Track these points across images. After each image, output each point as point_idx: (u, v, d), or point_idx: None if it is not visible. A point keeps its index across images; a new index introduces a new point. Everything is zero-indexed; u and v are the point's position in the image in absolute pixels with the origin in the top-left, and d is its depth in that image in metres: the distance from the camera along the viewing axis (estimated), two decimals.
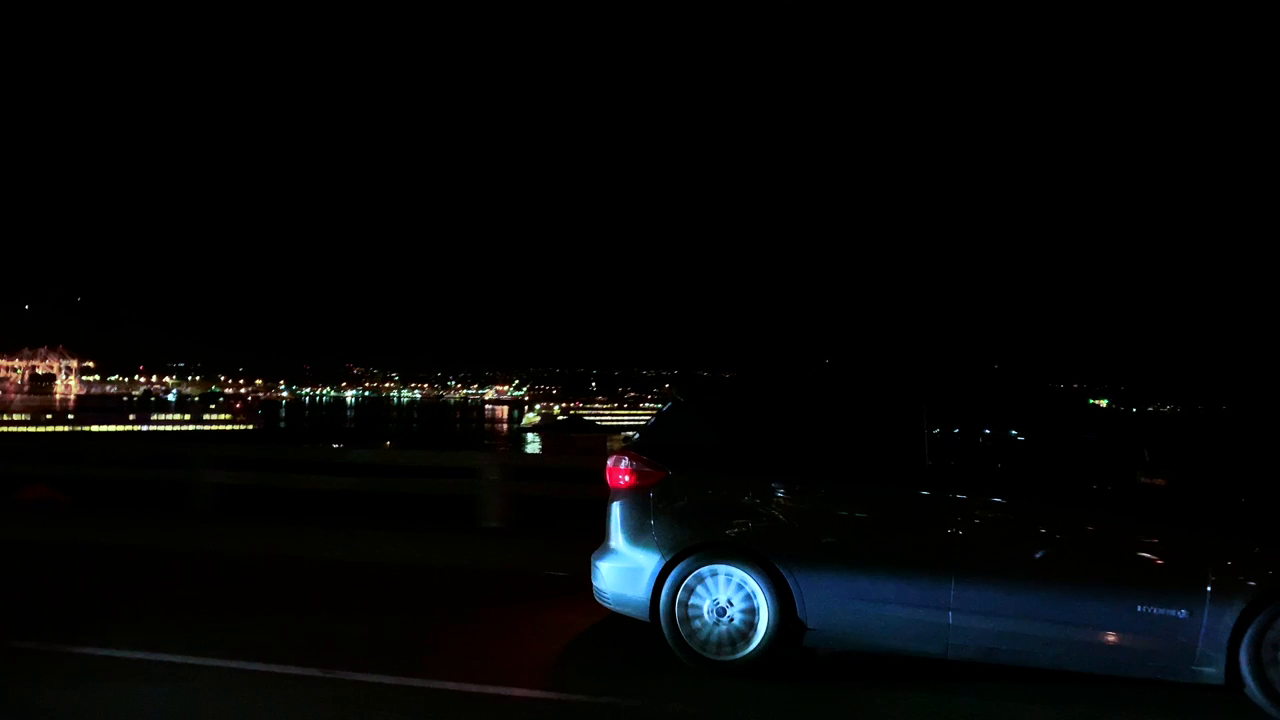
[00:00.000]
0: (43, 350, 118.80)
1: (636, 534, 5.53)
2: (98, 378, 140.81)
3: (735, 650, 5.23)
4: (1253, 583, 4.65)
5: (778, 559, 5.21)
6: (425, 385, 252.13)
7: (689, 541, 5.38)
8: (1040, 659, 4.93)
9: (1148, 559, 4.82)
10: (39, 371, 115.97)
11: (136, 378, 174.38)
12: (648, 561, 5.44)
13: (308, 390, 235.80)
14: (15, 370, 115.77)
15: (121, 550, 9.07)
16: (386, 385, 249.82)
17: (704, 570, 5.32)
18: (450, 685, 4.99)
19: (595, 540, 5.89)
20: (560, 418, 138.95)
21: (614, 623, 6.00)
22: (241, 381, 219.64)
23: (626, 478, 5.64)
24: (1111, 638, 4.80)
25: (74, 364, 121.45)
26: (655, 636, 5.40)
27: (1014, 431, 5.32)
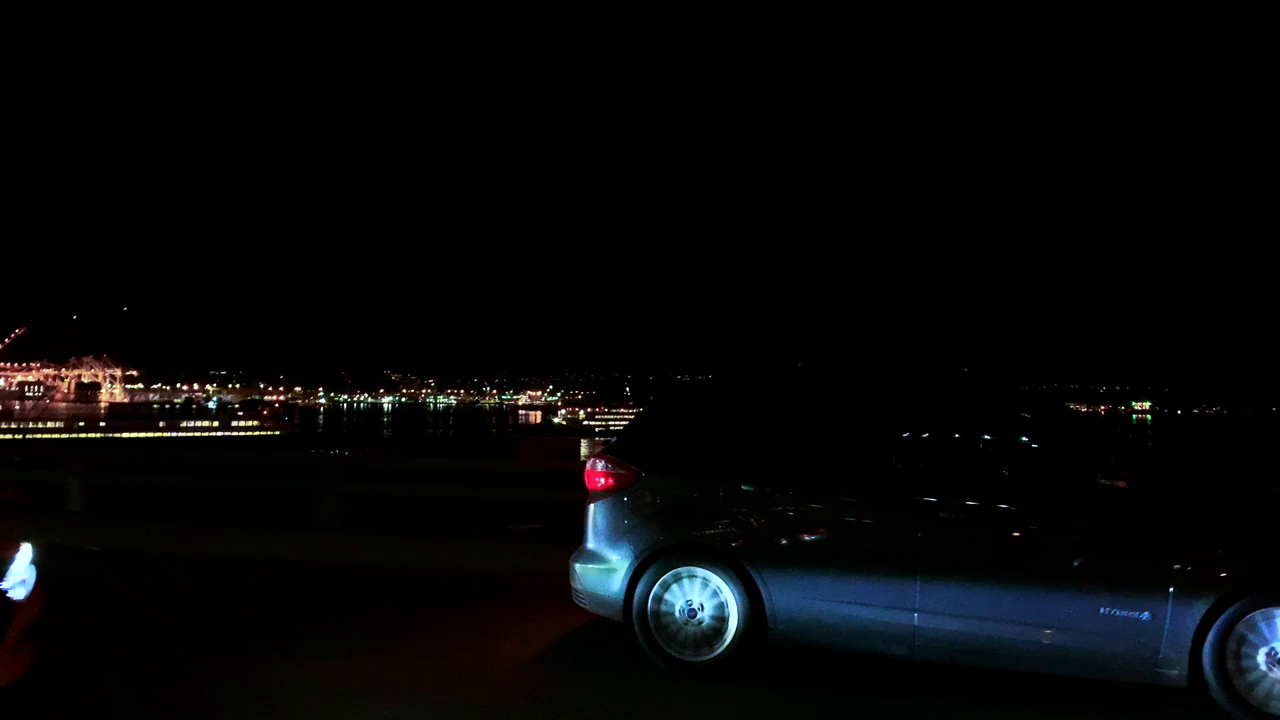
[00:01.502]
0: (88, 359, 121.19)
1: (611, 536, 5.63)
2: (141, 386, 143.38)
3: (706, 651, 5.30)
4: (1215, 584, 4.63)
5: (747, 560, 5.28)
6: (461, 391, 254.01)
7: (661, 543, 5.46)
8: (1006, 660, 4.95)
9: (1110, 561, 4.83)
10: (84, 380, 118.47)
11: (179, 385, 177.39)
12: (621, 563, 5.53)
13: (345, 397, 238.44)
14: (62, 379, 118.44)
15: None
16: (423, 391, 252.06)
17: (675, 571, 5.40)
18: None
19: None
20: (586, 421, 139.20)
21: (600, 624, 6.09)
22: (281, 388, 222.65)
23: (602, 480, 5.74)
24: (1075, 640, 4.81)
25: (118, 372, 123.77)
26: (633, 637, 5.49)
27: (983, 435, 5.34)
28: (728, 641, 5.26)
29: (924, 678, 5.16)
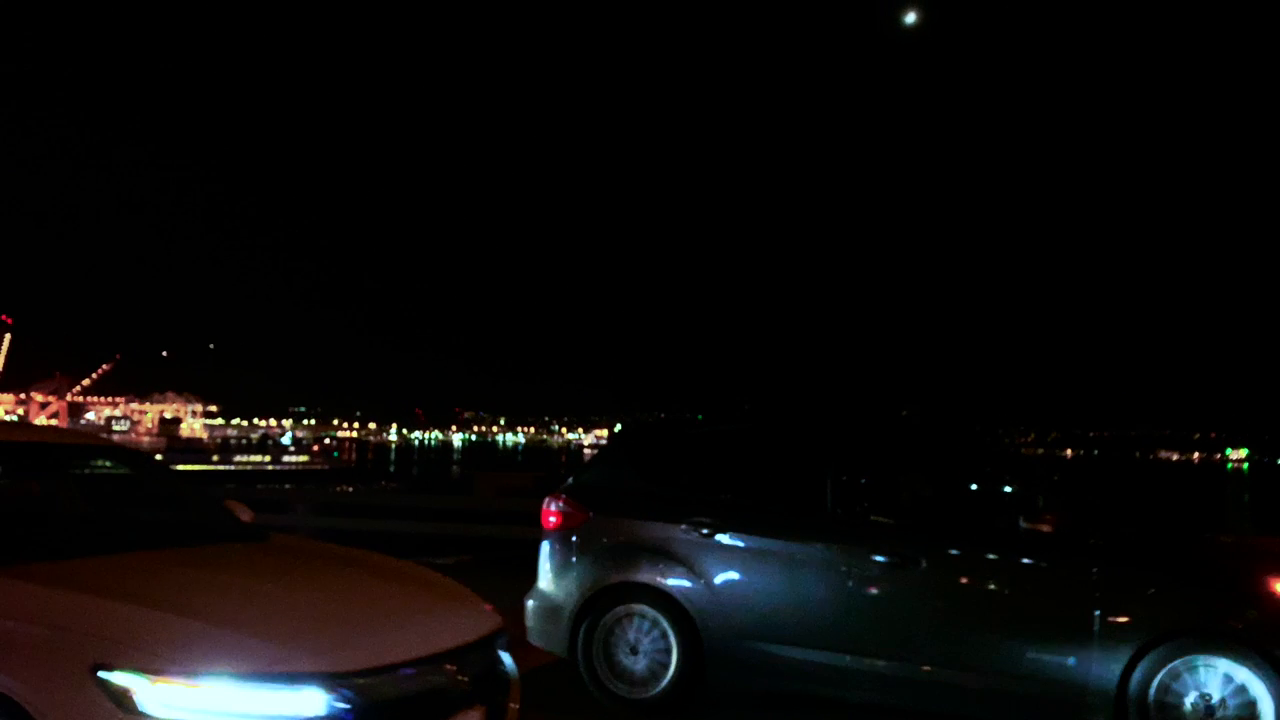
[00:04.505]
0: (170, 395, 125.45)
1: (561, 574, 5.78)
2: (221, 421, 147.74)
3: (648, 689, 5.41)
4: (1142, 629, 4.62)
5: (686, 600, 5.38)
6: (530, 429, 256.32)
7: (606, 581, 5.60)
8: (939, 703, 4.97)
9: (1035, 605, 4.85)
10: (166, 415, 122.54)
11: (256, 421, 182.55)
12: (568, 600, 5.68)
13: (418, 434, 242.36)
14: (146, 414, 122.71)
15: None
16: (494, 429, 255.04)
17: (619, 610, 5.53)
18: None
19: None
20: None
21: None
22: (356, 425, 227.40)
23: (554, 519, 5.91)
24: (1005, 684, 4.81)
25: (199, 408, 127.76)
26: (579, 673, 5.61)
27: (918, 478, 5.41)
28: (668, 679, 5.37)
29: (862, 718, 5.19)
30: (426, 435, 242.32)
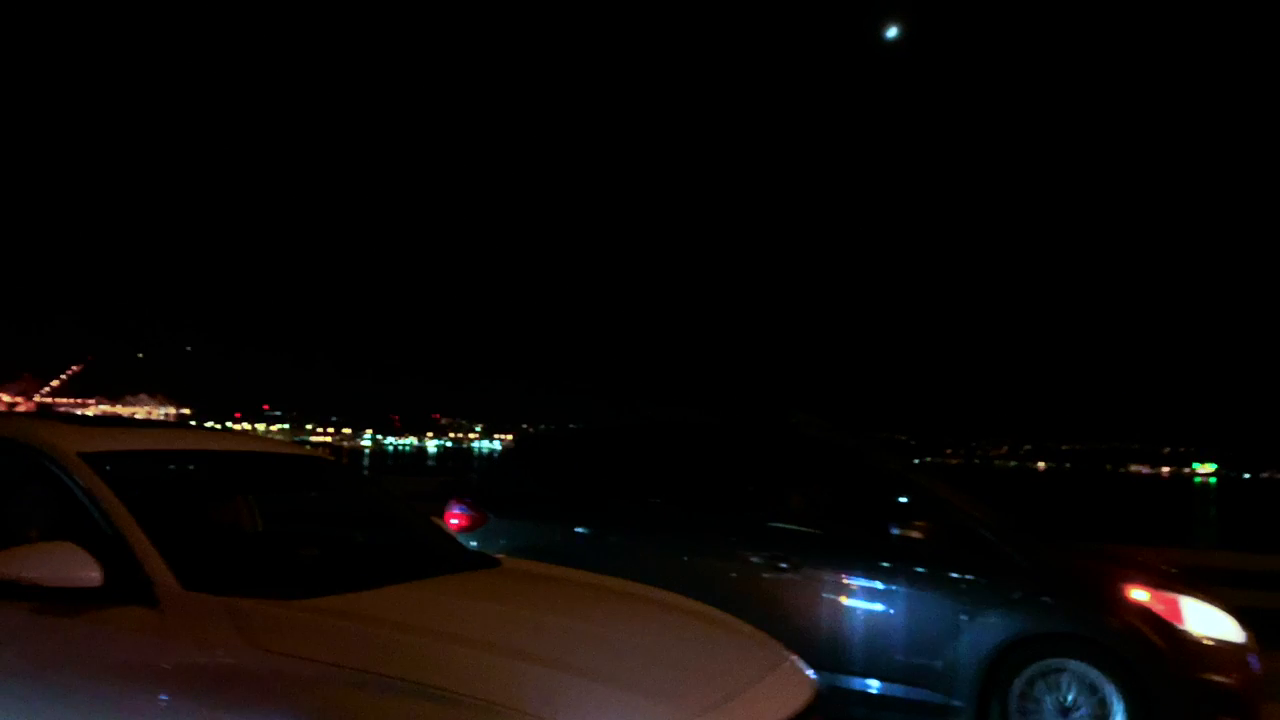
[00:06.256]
0: (143, 396, 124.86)
1: None
2: (193, 424, 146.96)
3: None
4: (1004, 633, 4.78)
5: None
6: (509, 436, 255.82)
7: None
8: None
9: (905, 610, 4.99)
10: (138, 417, 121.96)
11: (229, 424, 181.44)
12: None
13: (392, 440, 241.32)
14: (117, 416, 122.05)
15: None
16: (470, 436, 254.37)
17: None
18: None
19: None
20: None
21: None
22: (331, 430, 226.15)
23: (456, 520, 6.02)
24: (881, 689, 4.96)
25: (172, 410, 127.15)
26: None
27: (797, 485, 5.56)
28: None
29: None
30: (401, 441, 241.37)
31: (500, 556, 3.71)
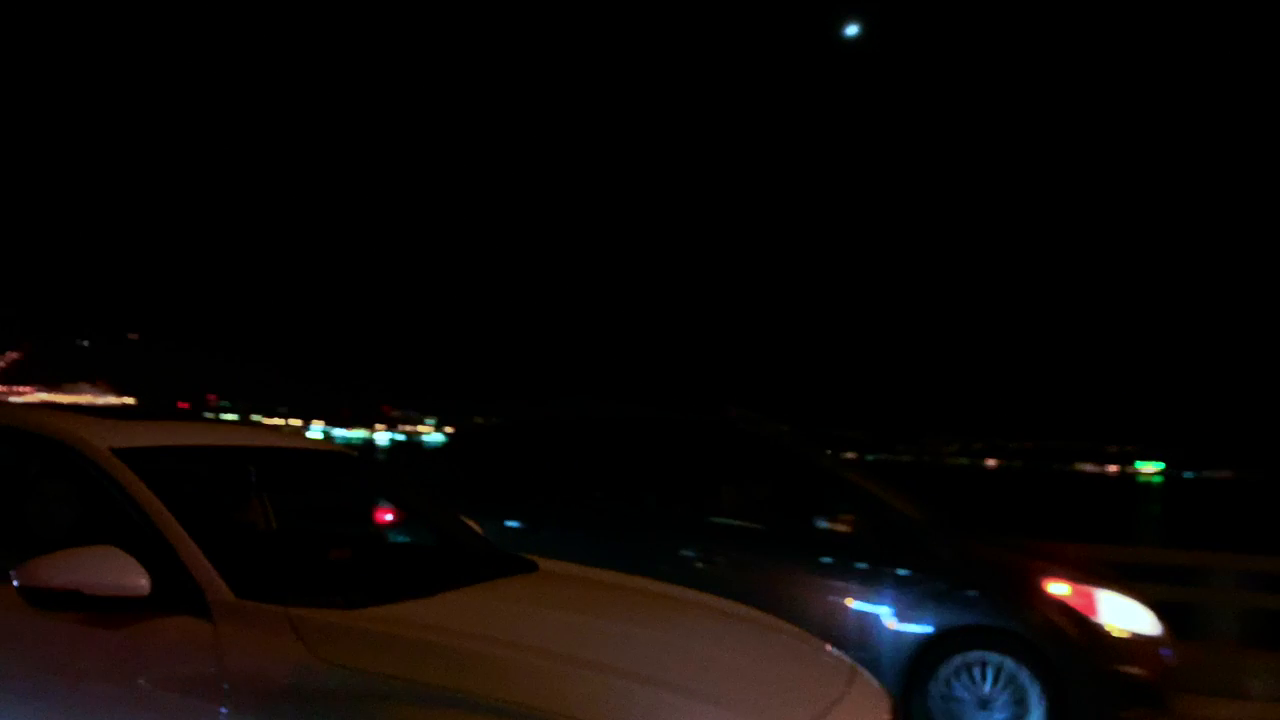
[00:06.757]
0: (83, 385, 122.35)
1: None
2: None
3: None
4: (928, 625, 4.86)
5: None
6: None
7: None
8: None
9: (828, 603, 5.05)
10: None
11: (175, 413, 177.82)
12: None
13: (340, 432, 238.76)
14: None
15: None
16: (421, 429, 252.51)
17: None
18: None
19: None
20: None
21: None
22: (279, 421, 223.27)
23: (389, 516, 5.98)
24: None
25: (112, 399, 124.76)
26: None
27: (728, 479, 5.61)
28: None
29: None
30: (350, 434, 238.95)
31: (535, 558, 3.47)
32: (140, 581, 2.40)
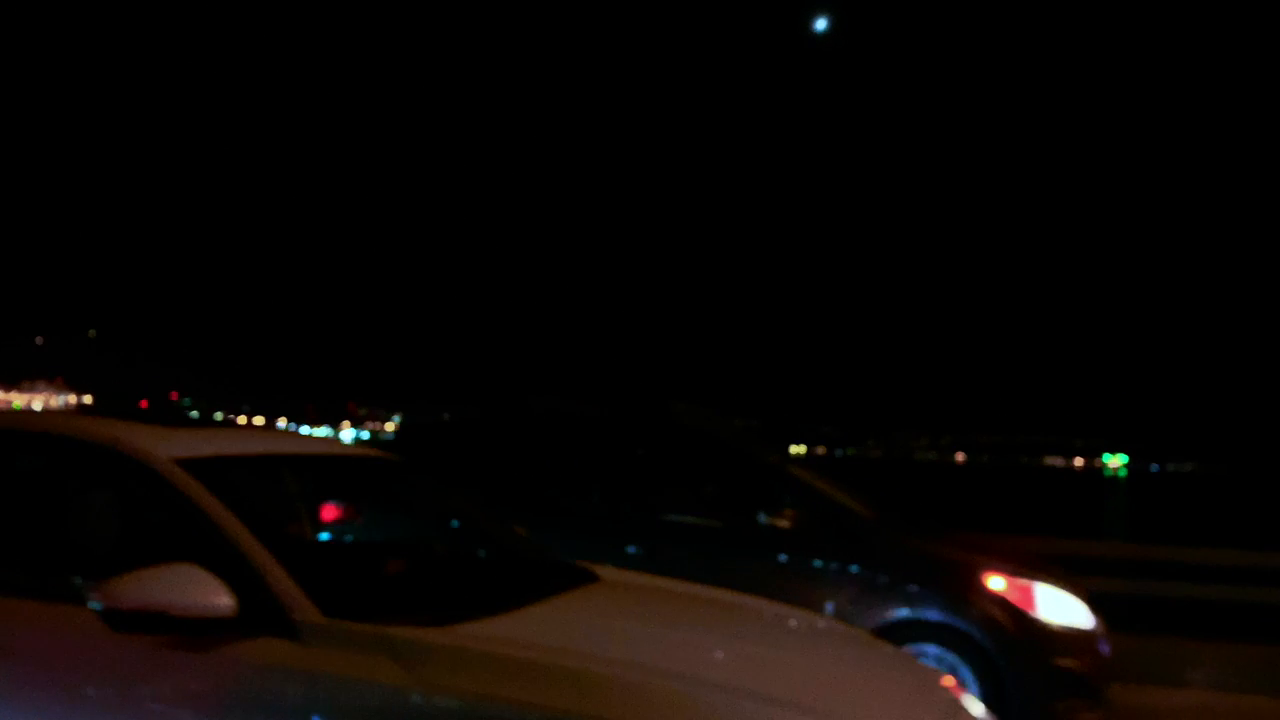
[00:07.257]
0: (41, 384, 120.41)
1: None
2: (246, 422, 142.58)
3: None
4: (870, 619, 4.86)
5: None
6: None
7: None
8: None
9: (776, 597, 5.06)
10: (35, 406, 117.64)
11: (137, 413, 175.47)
12: None
13: (306, 429, 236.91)
14: (12, 404, 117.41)
15: None
16: (387, 426, 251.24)
17: None
18: None
19: None
20: None
21: None
22: (242, 419, 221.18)
23: (333, 511, 5.92)
24: None
25: (72, 398, 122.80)
26: None
27: (675, 474, 5.61)
28: None
29: None
30: (315, 431, 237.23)
31: (593, 565, 3.35)
32: (227, 601, 2.28)
